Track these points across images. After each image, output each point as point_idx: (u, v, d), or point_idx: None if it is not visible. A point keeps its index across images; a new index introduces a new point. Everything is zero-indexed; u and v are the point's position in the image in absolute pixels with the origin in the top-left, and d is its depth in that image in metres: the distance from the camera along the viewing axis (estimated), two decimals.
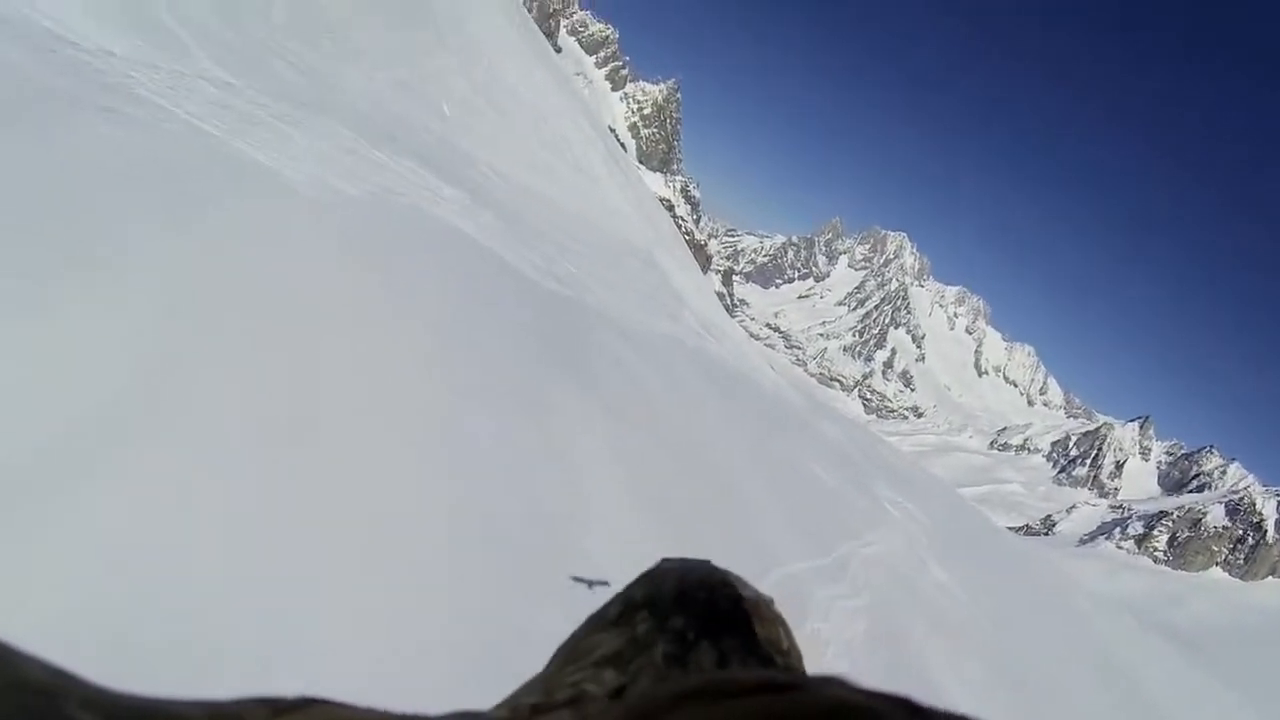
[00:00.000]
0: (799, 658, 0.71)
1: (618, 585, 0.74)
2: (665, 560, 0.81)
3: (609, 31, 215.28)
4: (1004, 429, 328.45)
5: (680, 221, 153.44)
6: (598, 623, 0.73)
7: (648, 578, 0.76)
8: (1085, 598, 65.80)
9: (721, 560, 0.78)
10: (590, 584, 5.74)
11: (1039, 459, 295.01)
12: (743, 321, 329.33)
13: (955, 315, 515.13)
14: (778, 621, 0.72)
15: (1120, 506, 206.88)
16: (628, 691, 0.58)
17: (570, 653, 0.68)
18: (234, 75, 9.23)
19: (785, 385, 22.79)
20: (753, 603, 0.72)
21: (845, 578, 9.26)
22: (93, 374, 3.33)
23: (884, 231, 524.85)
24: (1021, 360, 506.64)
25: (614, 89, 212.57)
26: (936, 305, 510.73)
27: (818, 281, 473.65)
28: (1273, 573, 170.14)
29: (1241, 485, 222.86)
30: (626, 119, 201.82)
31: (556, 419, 6.78)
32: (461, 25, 21.07)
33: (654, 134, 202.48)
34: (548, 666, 0.70)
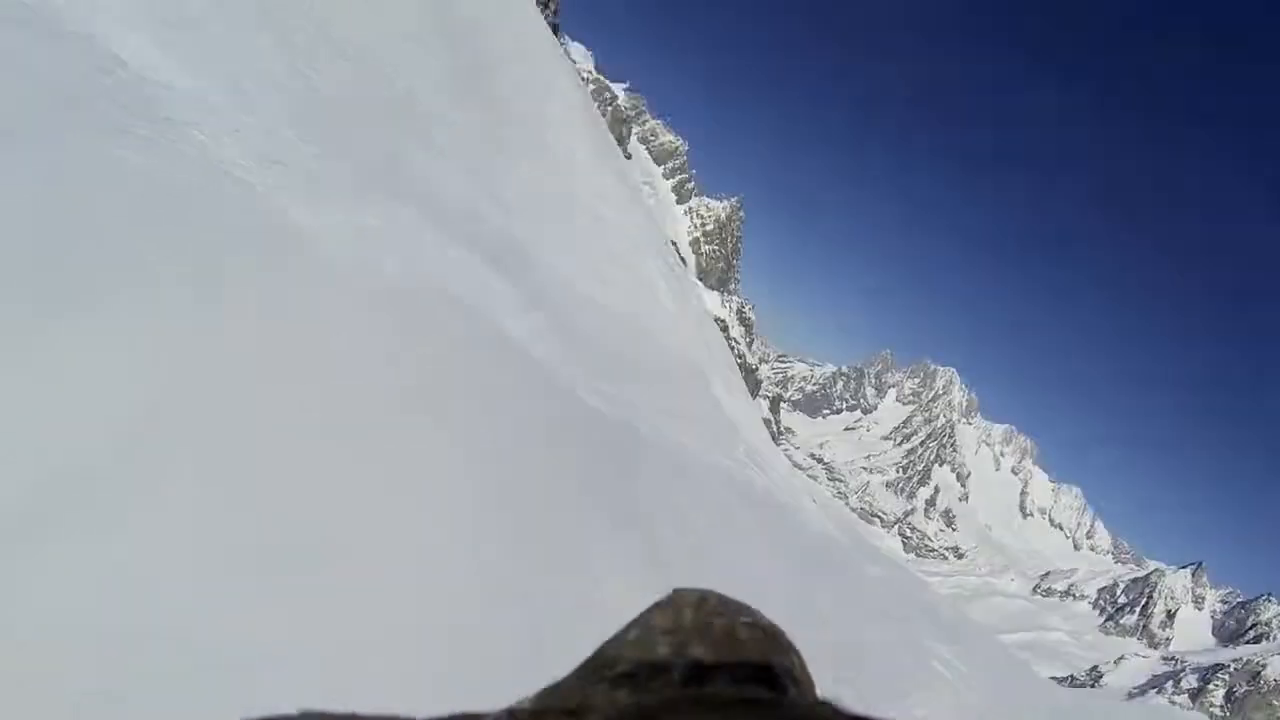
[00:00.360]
0: (811, 688, 0.71)
1: None
2: (678, 590, 0.80)
3: (679, 143, 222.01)
4: (1048, 573, 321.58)
5: (734, 343, 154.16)
6: (615, 643, 0.71)
7: (667, 604, 0.75)
8: None
9: None
10: None
11: (1085, 606, 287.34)
12: (787, 450, 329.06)
13: (1001, 454, 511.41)
14: (792, 650, 0.73)
15: (1172, 658, 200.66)
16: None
17: (587, 666, 0.67)
18: (299, 133, 8.66)
19: (828, 522, 21.82)
20: (770, 630, 0.72)
21: None
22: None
23: (934, 366, 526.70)
24: (1068, 502, 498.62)
25: (679, 201, 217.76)
26: (983, 443, 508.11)
27: (865, 414, 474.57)
28: None
29: None
30: (689, 234, 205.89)
31: (596, 563, 6.12)
32: (540, 123, 21.04)
33: (714, 251, 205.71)
34: (564, 678, 0.69)
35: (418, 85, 14.78)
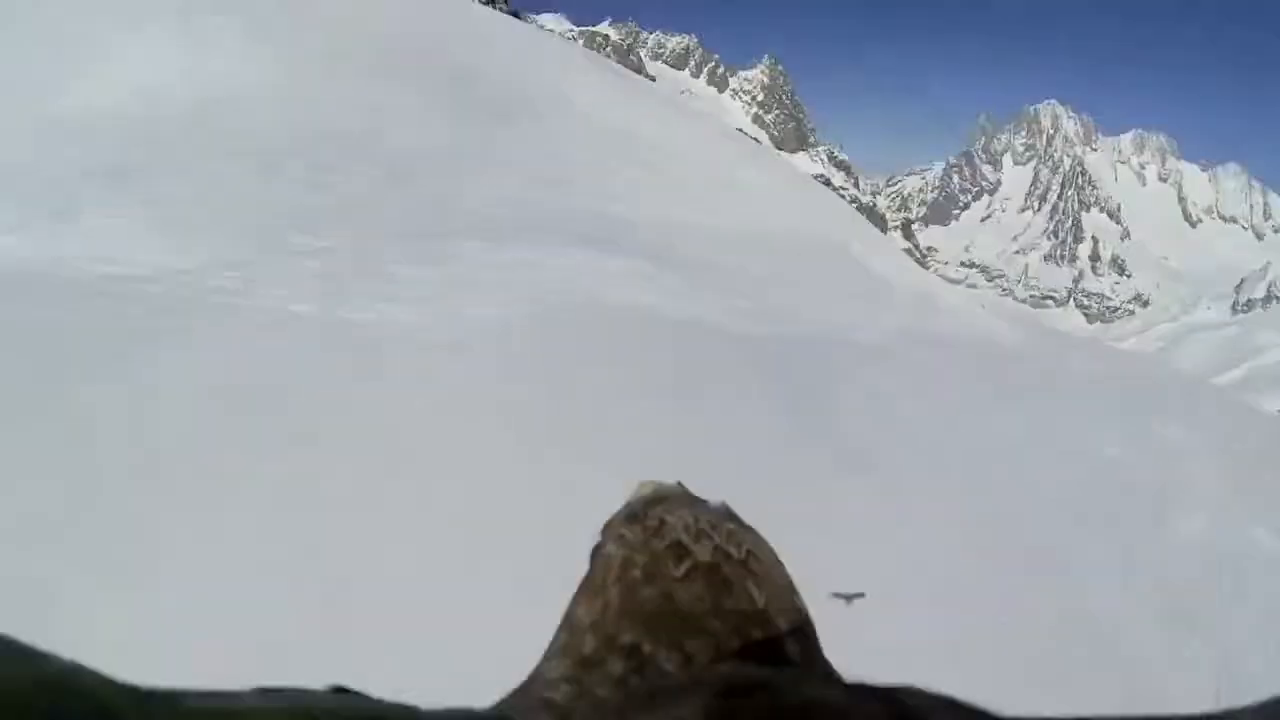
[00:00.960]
0: (780, 603, 0.62)
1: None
2: (605, 529, 0.72)
3: (688, 40, 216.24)
4: (1241, 282, 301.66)
5: (841, 191, 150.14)
6: (549, 656, 0.64)
7: (587, 584, 0.67)
8: None
9: None
10: (849, 599, 5.09)
11: None
12: (937, 269, 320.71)
13: (1142, 167, 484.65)
14: (744, 575, 0.62)
15: None
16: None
17: (519, 692, 0.60)
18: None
19: (1007, 330, 20.76)
20: (709, 569, 0.62)
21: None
22: None
23: (1034, 108, 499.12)
24: (1231, 186, 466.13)
25: (719, 91, 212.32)
26: (1118, 164, 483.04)
27: (992, 195, 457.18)
28: None
29: None
30: (746, 112, 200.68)
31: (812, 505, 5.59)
32: (558, 97, 20.48)
33: (778, 116, 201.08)
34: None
35: (461, 136, 15.03)
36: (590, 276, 9.13)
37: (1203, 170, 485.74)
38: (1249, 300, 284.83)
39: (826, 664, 0.61)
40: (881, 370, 9.50)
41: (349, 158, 12.01)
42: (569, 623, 0.63)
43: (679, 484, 0.79)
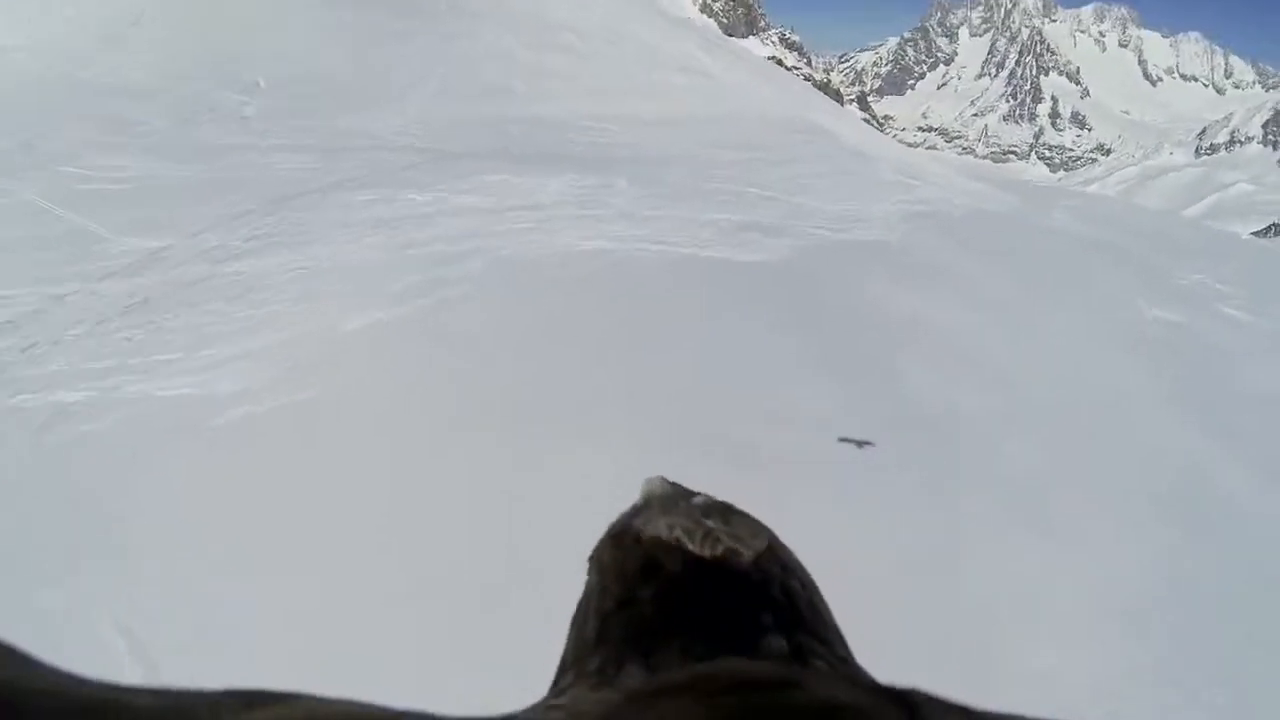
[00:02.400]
0: (763, 606, 0.60)
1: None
2: (610, 530, 0.73)
3: None
4: (1203, 130, 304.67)
5: (795, 70, 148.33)
6: (571, 625, 0.66)
7: (590, 564, 0.70)
8: None
9: None
10: (859, 444, 5.44)
11: (1254, 147, 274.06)
12: (895, 135, 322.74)
13: (1102, 35, 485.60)
14: (720, 580, 0.62)
15: None
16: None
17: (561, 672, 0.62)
18: None
19: (991, 192, 20.72)
20: (678, 577, 0.62)
21: None
22: None
23: None
24: (1192, 51, 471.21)
25: None
26: (1078, 33, 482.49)
27: (948, 65, 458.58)
28: None
29: None
30: (694, 2, 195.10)
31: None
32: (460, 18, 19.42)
33: (726, 4, 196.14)
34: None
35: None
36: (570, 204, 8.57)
37: (1164, 37, 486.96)
38: (1212, 145, 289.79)
39: (838, 646, 0.61)
40: (906, 280, 8.81)
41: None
42: (561, 663, 0.63)
43: (663, 479, 0.80)
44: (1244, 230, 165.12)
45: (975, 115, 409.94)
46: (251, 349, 4.96)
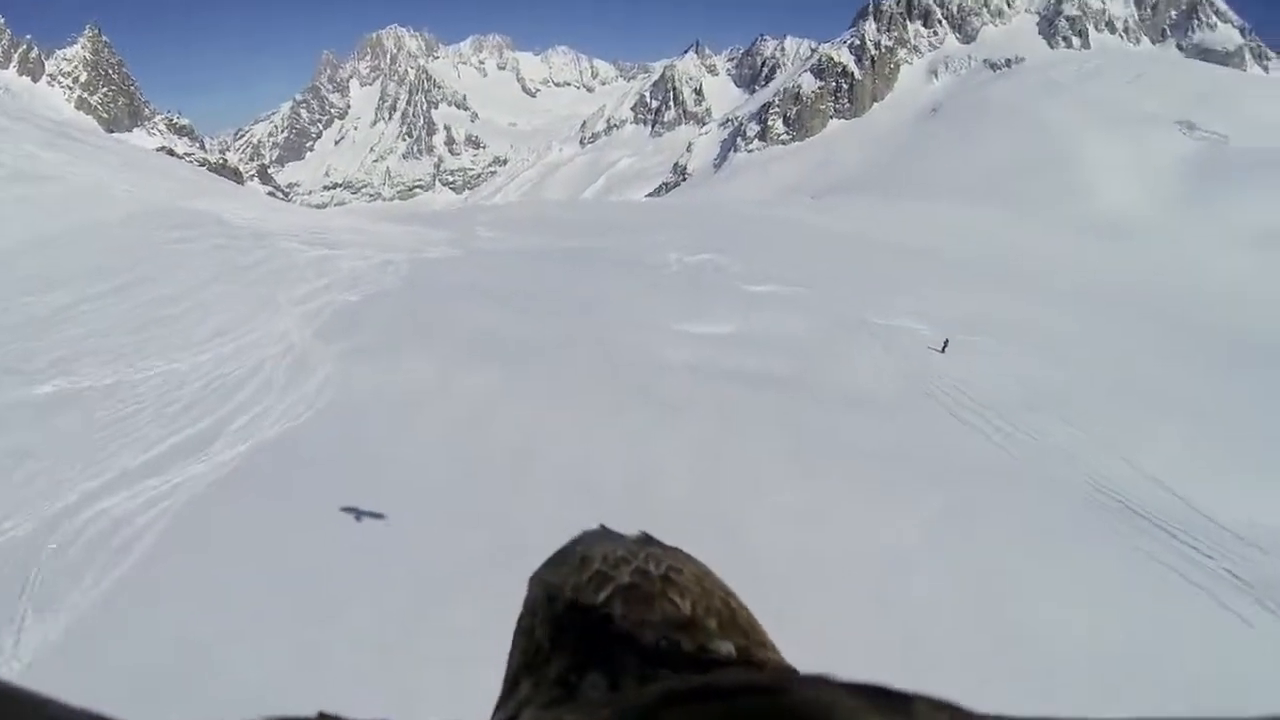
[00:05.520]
0: (708, 604, 0.65)
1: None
2: (531, 581, 0.76)
3: None
4: (583, 124, 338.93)
5: (187, 157, 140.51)
6: (516, 636, 0.69)
7: (519, 633, 0.70)
8: (753, 204, 71.85)
9: None
10: (359, 515, 6.70)
11: (630, 128, 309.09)
12: (302, 200, 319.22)
13: (482, 62, 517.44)
14: (664, 589, 0.66)
15: (728, 120, 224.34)
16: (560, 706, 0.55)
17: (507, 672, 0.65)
18: None
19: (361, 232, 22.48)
20: (629, 589, 0.66)
21: None
22: None
23: (376, 34, 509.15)
24: (561, 62, 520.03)
25: (35, 79, 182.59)
26: (460, 65, 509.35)
27: (343, 119, 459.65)
28: (875, 99, 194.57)
29: (803, 51, 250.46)
30: (68, 98, 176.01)
31: None
32: None
33: (106, 94, 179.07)
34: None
35: None
36: None
37: (536, 55, 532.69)
38: (593, 134, 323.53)
39: (773, 651, 0.65)
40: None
41: None
42: (508, 675, 0.67)
43: (601, 525, 0.85)
44: (638, 195, 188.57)
45: (376, 160, 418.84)
46: None
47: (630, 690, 0.54)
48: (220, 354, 12.04)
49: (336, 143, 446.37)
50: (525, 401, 12.31)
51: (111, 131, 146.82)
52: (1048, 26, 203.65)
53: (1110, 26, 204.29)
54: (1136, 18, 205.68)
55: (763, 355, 16.21)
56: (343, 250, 20.58)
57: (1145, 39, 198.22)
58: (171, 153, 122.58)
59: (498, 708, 0.63)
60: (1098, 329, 25.45)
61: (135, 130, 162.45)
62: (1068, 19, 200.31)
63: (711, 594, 0.67)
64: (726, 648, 0.61)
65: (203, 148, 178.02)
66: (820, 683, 0.38)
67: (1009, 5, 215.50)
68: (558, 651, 0.62)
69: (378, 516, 8.44)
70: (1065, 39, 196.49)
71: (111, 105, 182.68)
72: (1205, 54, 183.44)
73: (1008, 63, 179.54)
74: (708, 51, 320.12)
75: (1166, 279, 46.13)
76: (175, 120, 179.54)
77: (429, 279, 18.80)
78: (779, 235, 40.77)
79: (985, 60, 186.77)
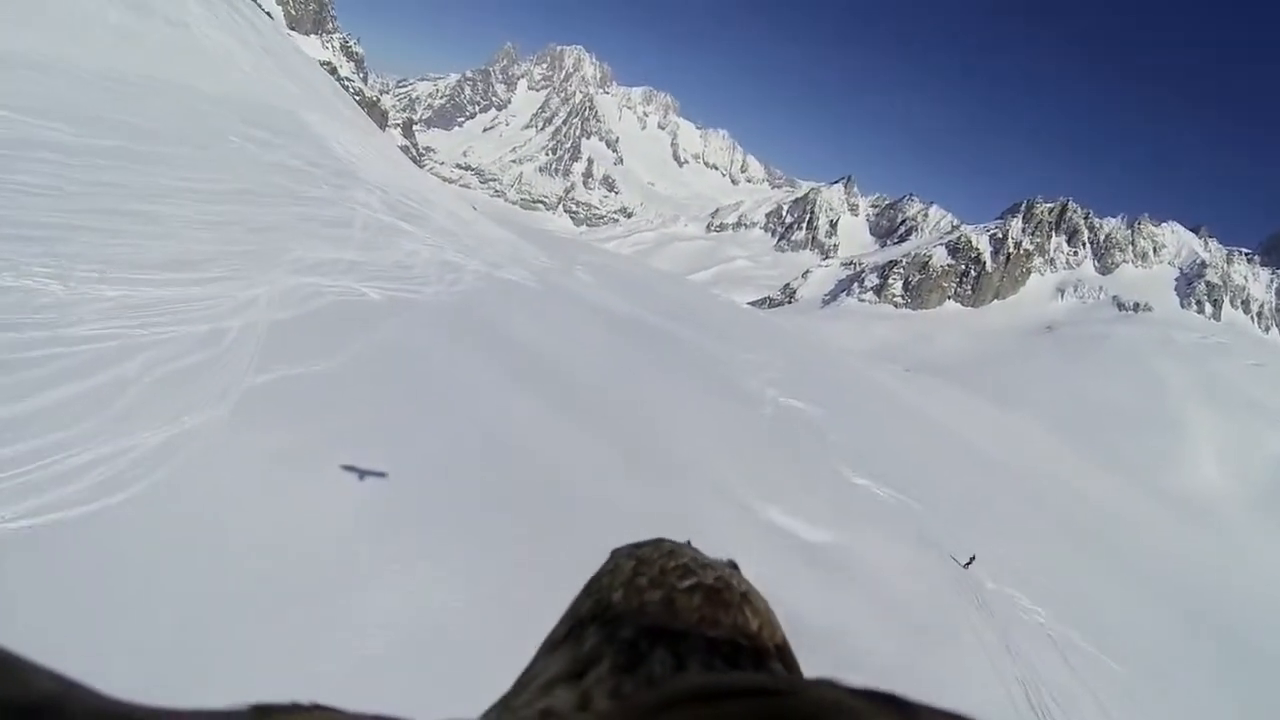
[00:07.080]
0: (771, 632, 0.69)
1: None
2: (616, 551, 0.80)
3: None
4: (716, 210, 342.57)
5: (346, 82, 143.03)
6: (546, 648, 0.70)
7: (595, 584, 0.75)
8: (852, 355, 70.58)
9: None
10: (361, 474, 6.74)
11: (758, 232, 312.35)
12: (433, 169, 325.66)
13: (645, 114, 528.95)
14: (741, 603, 0.70)
15: (852, 263, 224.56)
16: (592, 706, 0.55)
17: (517, 684, 0.64)
18: None
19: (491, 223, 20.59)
20: (711, 590, 0.70)
21: None
22: None
23: (559, 47, 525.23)
24: (718, 145, 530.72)
25: None
26: (625, 108, 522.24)
27: (500, 110, 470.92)
28: (996, 296, 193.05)
29: (943, 223, 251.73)
30: None
31: None
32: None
33: None
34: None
35: None
36: None
37: (697, 129, 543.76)
38: (722, 224, 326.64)
39: (795, 665, 0.68)
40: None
41: None
42: (572, 616, 0.70)
43: (689, 542, 0.84)
44: (743, 298, 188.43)
45: (514, 162, 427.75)
46: None
47: (643, 689, 0.56)
48: (127, 303, 8.50)
49: (485, 130, 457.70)
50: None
51: (293, 29, 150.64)
52: (1185, 285, 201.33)
53: (1245, 306, 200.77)
54: (1274, 306, 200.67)
55: (856, 597, 11.72)
56: (414, 229, 17.65)
57: (1276, 330, 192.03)
58: (334, 71, 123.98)
59: (557, 641, 0.67)
60: (1148, 624, 22.29)
61: (311, 35, 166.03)
62: (1207, 284, 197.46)
63: (776, 627, 0.71)
64: (779, 669, 0.64)
65: (365, 80, 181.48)
66: (828, 686, 0.40)
67: (1155, 253, 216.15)
68: (630, 616, 0.66)
69: (380, 475, 7.97)
70: (1199, 303, 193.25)
71: (302, 6, 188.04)
72: None
73: (1136, 307, 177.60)
74: (855, 190, 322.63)
75: (1238, 586, 42.75)
76: (351, 46, 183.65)
77: (476, 308, 14.99)
78: (879, 406, 37.03)
79: (1114, 297, 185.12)
